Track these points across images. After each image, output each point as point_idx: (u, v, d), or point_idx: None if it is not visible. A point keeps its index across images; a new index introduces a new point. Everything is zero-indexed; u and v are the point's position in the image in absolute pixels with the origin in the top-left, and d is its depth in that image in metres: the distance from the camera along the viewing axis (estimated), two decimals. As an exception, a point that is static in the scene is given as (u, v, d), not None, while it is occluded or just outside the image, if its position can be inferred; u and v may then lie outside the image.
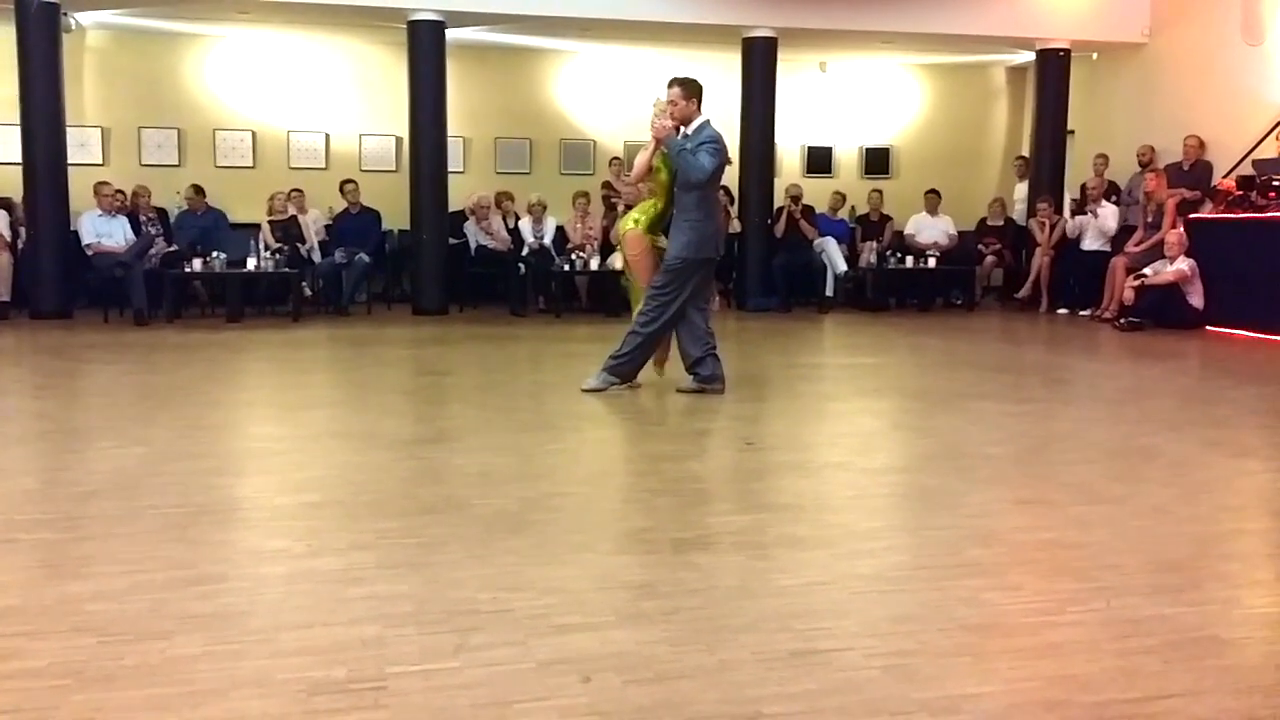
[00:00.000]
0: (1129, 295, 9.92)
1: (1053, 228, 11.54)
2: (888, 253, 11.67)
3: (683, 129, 5.99)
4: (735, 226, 11.77)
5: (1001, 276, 12.51)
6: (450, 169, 11.23)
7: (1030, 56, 12.34)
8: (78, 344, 8.38)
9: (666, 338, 6.24)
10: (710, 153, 5.85)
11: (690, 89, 5.95)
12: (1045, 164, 12.16)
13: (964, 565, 3.20)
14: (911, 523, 3.75)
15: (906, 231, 12.24)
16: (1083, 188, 11.69)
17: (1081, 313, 11.02)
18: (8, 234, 10.32)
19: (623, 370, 6.16)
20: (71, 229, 10.29)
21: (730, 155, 6.40)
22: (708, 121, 6.01)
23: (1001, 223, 12.38)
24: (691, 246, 5.90)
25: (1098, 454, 4.83)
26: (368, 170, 12.11)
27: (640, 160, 6.09)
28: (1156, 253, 10.18)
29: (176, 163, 11.81)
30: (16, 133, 10.17)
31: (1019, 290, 11.81)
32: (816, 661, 2.50)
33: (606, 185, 12.08)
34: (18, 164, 10.21)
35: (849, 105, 13.49)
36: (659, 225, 6.16)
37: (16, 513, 3.68)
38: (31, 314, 10.01)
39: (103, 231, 10.25)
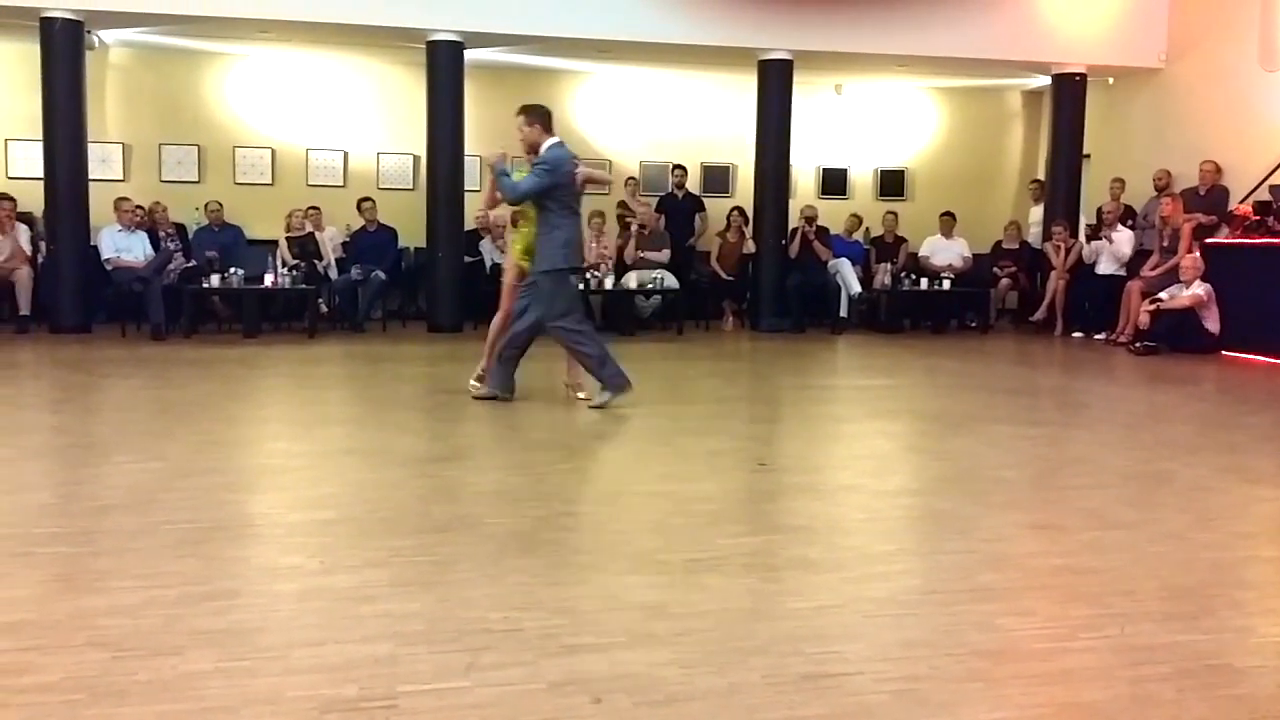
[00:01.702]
0: (1144, 319, 9.88)
1: (1068, 251, 11.52)
2: (902, 274, 11.67)
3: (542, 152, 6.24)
4: (749, 247, 11.79)
5: (1016, 299, 12.49)
6: (467, 187, 11.30)
7: (1046, 80, 12.35)
8: (96, 358, 8.44)
9: (576, 359, 6.49)
10: (536, 173, 6.13)
11: (533, 115, 6.29)
12: (1061, 188, 12.16)
13: (976, 590, 3.19)
14: (924, 546, 3.74)
15: (921, 253, 12.24)
16: (1099, 212, 11.68)
17: (1096, 336, 10.99)
18: (28, 248, 10.42)
19: (613, 383, 6.29)
20: (91, 244, 10.38)
21: (588, 172, 6.64)
22: (558, 143, 6.27)
23: (1016, 246, 12.36)
24: (544, 259, 6.23)
25: (1112, 479, 4.81)
26: (385, 188, 12.19)
27: (485, 189, 6.46)
28: (1172, 277, 10.15)
29: (196, 179, 11.92)
30: (39, 148, 10.29)
31: (1034, 313, 11.78)
32: (827, 685, 2.49)
33: (622, 205, 12.15)
34: (40, 179, 10.32)
35: (864, 127, 13.52)
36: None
37: (33, 526, 3.71)
38: (51, 328, 10.10)
39: (122, 246, 10.34)
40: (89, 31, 10.48)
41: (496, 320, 6.68)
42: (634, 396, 6.33)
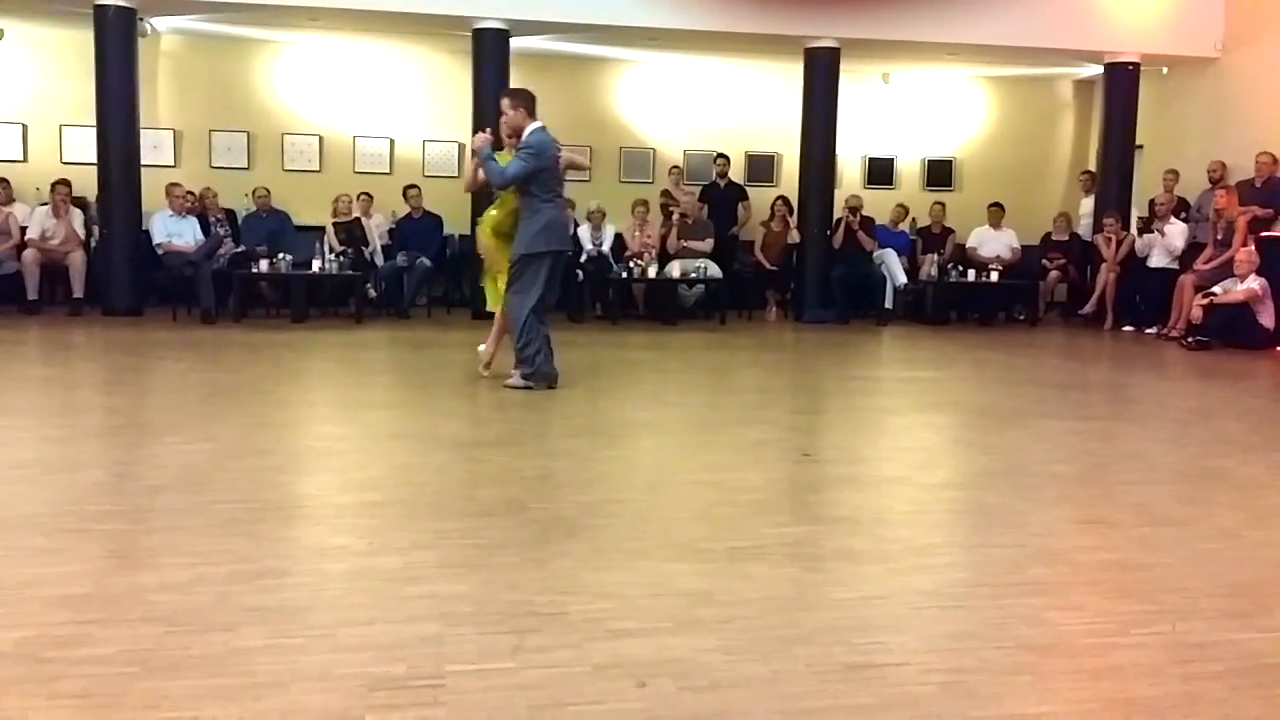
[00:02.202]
0: (1197, 314, 9.71)
1: (1120, 243, 11.34)
2: (949, 266, 11.55)
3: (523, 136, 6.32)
4: (794, 237, 11.73)
5: (1065, 292, 12.32)
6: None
7: (1098, 70, 12.15)
8: (147, 341, 8.58)
9: (503, 338, 6.65)
10: (521, 158, 6.20)
11: (517, 99, 6.40)
12: (1112, 179, 11.96)
13: (1025, 584, 3.16)
14: (971, 539, 3.71)
15: (969, 244, 12.11)
16: (1151, 204, 11.48)
17: (1147, 331, 10.82)
18: (82, 232, 10.61)
19: (534, 374, 6.37)
20: (143, 228, 10.55)
21: (571, 157, 6.72)
22: (540, 128, 6.32)
23: (1066, 237, 12.19)
24: (522, 243, 6.29)
25: (1164, 475, 4.73)
26: (431, 175, 12.26)
27: (466, 172, 6.72)
28: (1226, 271, 9.96)
29: (245, 165, 12.06)
30: (92, 134, 10.46)
31: (1083, 306, 11.62)
32: (872, 676, 2.48)
33: (665, 194, 12.13)
34: (93, 165, 10.50)
35: (912, 116, 13.39)
36: (511, 223, 6.46)
37: (88, 504, 3.78)
38: (104, 310, 10.27)
39: (173, 231, 10.50)
40: (141, 19, 10.63)
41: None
42: (677, 384, 6.33)
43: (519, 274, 6.32)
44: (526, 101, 6.37)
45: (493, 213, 6.63)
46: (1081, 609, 2.98)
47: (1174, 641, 2.74)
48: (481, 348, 6.91)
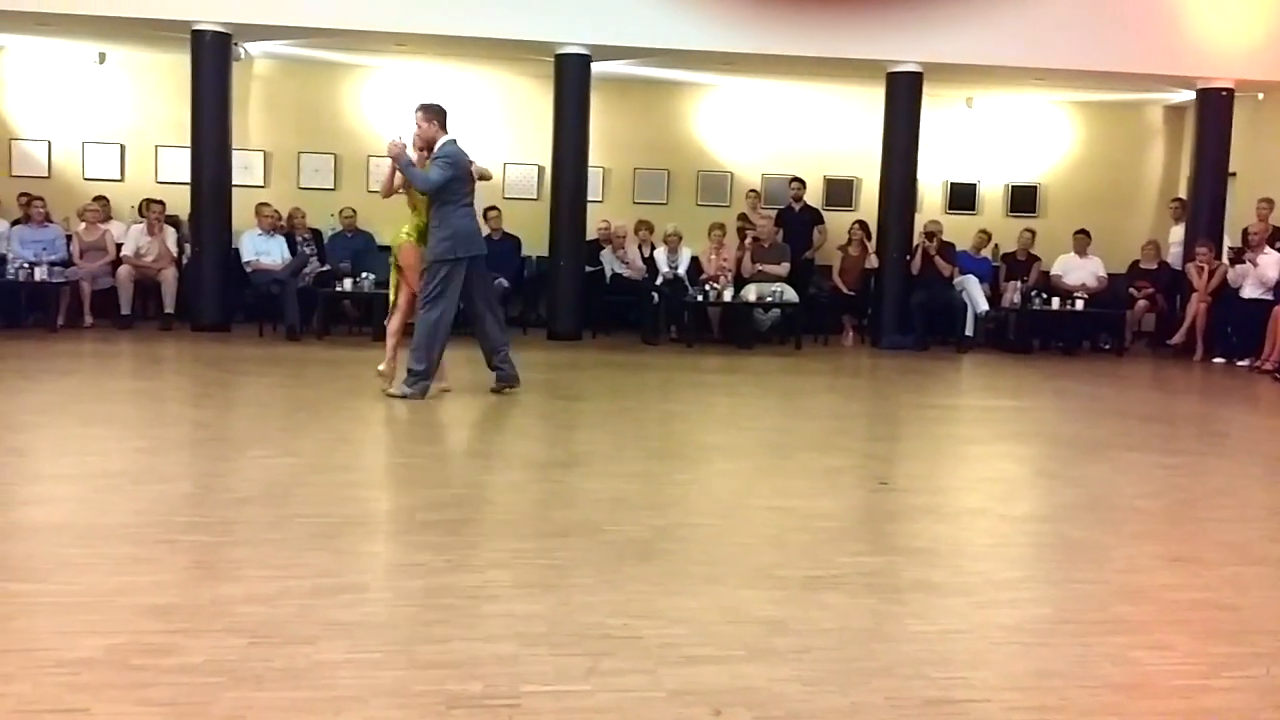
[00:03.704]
0: (1292, 346, 9.38)
1: (1211, 273, 11.03)
2: (1032, 293, 11.33)
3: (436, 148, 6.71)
4: (872, 262, 11.62)
5: (1153, 322, 11.99)
6: (589, 198, 11.42)
7: (1190, 95, 11.85)
8: (234, 356, 8.81)
9: (442, 364, 6.89)
10: (439, 166, 6.59)
11: (430, 113, 6.81)
12: (1204, 207, 11.63)
13: (1110, 621, 3.07)
14: (1055, 574, 3.62)
15: (1053, 272, 11.86)
16: (1244, 233, 11.14)
17: (1239, 363, 10.47)
18: (174, 250, 10.95)
19: (417, 386, 6.65)
20: (233, 247, 10.85)
21: (482, 169, 7.11)
22: (451, 141, 6.72)
23: (1155, 266, 11.88)
24: (436, 250, 6.61)
25: (1255, 512, 4.58)
26: (510, 198, 12.41)
27: (383, 178, 7.04)
28: (1324, 303, 9.62)
29: (332, 186, 12.34)
30: (187, 155, 10.81)
31: (1172, 337, 11.30)
32: (953, 712, 2.43)
33: (742, 217, 12.10)
34: (186, 184, 10.84)
35: (996, 141, 13.19)
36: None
37: (176, 515, 3.89)
38: (193, 326, 10.57)
39: (261, 250, 10.78)
40: (236, 44, 10.96)
41: (402, 306, 6.95)
42: (751, 408, 6.30)
43: (430, 280, 6.62)
44: (439, 115, 6.82)
45: (410, 230, 6.92)
46: (1169, 649, 2.89)
47: (1269, 686, 2.64)
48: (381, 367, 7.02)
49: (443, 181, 6.58)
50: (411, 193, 6.81)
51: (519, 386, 7.02)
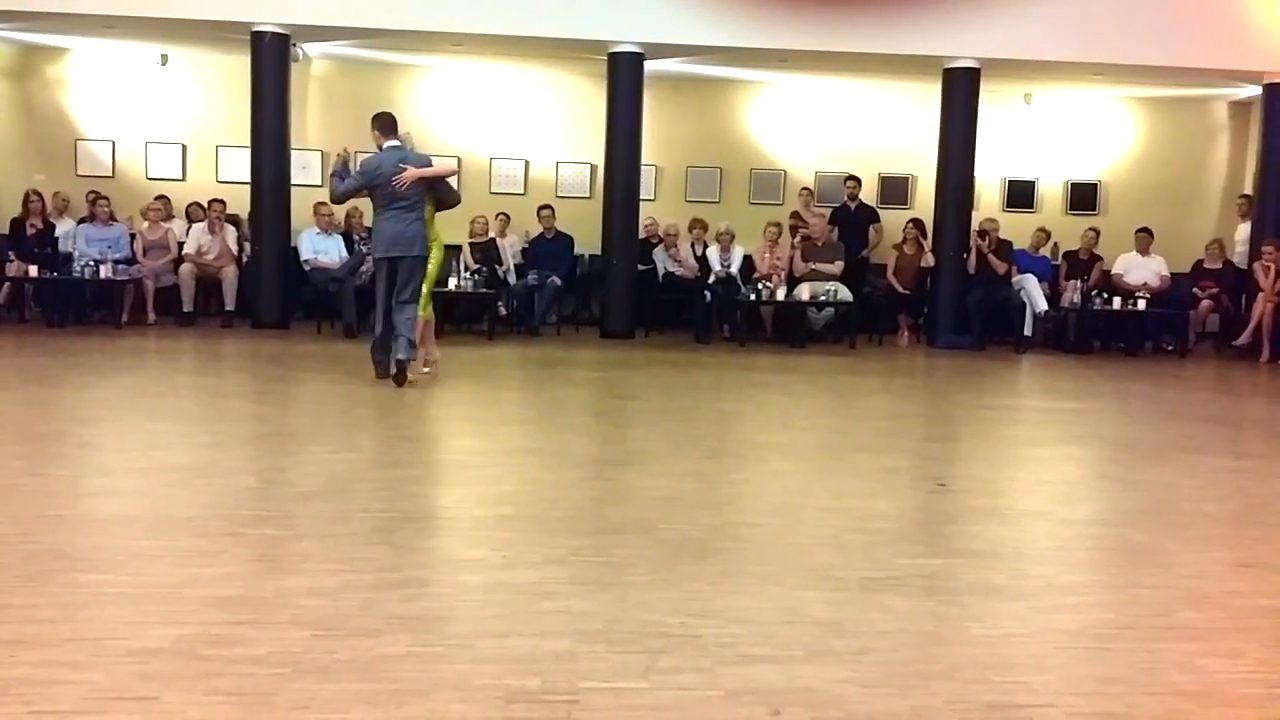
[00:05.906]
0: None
1: (1278, 272, 10.77)
2: (1093, 293, 11.14)
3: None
4: (928, 260, 11.50)
5: (1218, 322, 11.75)
6: (642, 196, 11.44)
7: (1256, 90, 11.58)
8: (294, 353, 8.95)
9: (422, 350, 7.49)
10: (354, 177, 7.29)
11: (374, 123, 7.24)
12: (1271, 205, 11.36)
13: (1176, 627, 3.02)
14: (1119, 579, 3.56)
15: (1115, 271, 11.65)
16: (1313, 231, 10.87)
17: (1307, 364, 10.23)
18: (235, 248, 11.14)
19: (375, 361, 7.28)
20: (292, 245, 11.02)
21: (374, 176, 7.17)
22: (391, 146, 7.14)
23: (1220, 265, 11.63)
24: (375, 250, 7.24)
25: (1328, 518, 4.46)
26: (563, 196, 12.46)
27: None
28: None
29: (387, 185, 12.46)
30: (247, 154, 11.00)
31: (1237, 338, 11.05)
32: (1015, 716, 2.40)
33: (795, 215, 12.04)
34: (246, 184, 11.04)
35: (1055, 138, 12.99)
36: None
37: (241, 509, 3.96)
38: (253, 323, 10.76)
39: (319, 249, 10.94)
40: (294, 45, 11.13)
41: None
42: (805, 408, 6.27)
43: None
44: (381, 124, 7.21)
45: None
46: (1238, 656, 2.83)
47: (1343, 697, 2.58)
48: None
49: (348, 192, 7.28)
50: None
51: (386, 378, 7.14)
